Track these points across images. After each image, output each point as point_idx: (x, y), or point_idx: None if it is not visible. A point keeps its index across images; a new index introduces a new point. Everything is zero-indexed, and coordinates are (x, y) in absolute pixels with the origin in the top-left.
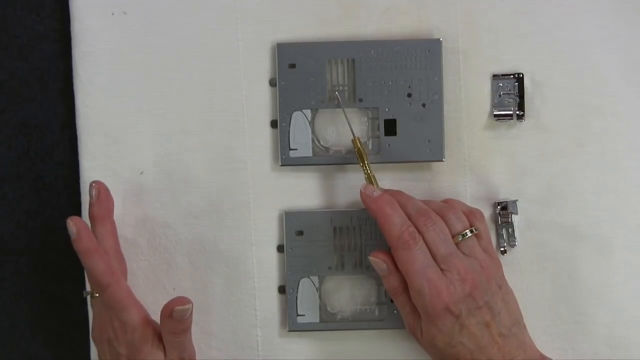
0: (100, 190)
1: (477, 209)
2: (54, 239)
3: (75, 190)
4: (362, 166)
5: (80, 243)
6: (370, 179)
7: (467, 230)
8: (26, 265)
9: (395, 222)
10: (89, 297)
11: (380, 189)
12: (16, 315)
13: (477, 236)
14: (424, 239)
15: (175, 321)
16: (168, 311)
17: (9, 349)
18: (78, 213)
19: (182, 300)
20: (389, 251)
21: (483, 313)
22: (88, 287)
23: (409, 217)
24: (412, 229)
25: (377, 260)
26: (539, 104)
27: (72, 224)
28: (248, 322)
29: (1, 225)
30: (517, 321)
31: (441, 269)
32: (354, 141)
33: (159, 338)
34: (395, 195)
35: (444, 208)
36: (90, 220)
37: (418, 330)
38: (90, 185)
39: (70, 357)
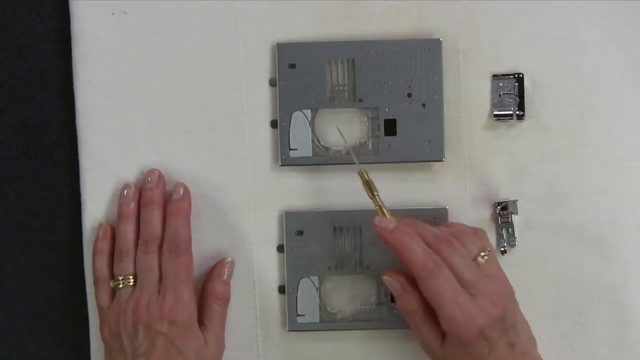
0: (160, 176)
1: (480, 228)
2: (54, 239)
3: (75, 190)
4: (372, 198)
5: (183, 203)
6: (381, 211)
7: (482, 252)
8: (26, 265)
9: (417, 251)
10: (107, 291)
11: (394, 219)
12: (16, 315)
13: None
14: (447, 265)
15: (223, 283)
16: (219, 268)
17: (9, 349)
18: (78, 213)
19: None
20: (402, 271)
21: (510, 334)
22: (89, 286)
23: (429, 246)
24: (435, 256)
25: (392, 280)
26: (539, 104)
27: (182, 186)
28: (248, 322)
29: (1, 225)
30: (531, 337)
31: (470, 294)
32: (360, 173)
33: (200, 324)
34: (411, 225)
35: (455, 233)
36: (144, 205)
37: (437, 349)
38: (149, 171)
39: (70, 357)
